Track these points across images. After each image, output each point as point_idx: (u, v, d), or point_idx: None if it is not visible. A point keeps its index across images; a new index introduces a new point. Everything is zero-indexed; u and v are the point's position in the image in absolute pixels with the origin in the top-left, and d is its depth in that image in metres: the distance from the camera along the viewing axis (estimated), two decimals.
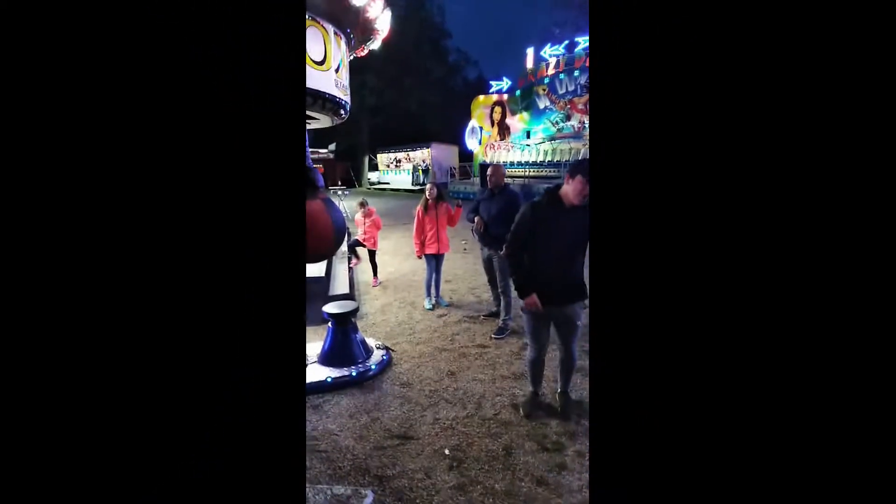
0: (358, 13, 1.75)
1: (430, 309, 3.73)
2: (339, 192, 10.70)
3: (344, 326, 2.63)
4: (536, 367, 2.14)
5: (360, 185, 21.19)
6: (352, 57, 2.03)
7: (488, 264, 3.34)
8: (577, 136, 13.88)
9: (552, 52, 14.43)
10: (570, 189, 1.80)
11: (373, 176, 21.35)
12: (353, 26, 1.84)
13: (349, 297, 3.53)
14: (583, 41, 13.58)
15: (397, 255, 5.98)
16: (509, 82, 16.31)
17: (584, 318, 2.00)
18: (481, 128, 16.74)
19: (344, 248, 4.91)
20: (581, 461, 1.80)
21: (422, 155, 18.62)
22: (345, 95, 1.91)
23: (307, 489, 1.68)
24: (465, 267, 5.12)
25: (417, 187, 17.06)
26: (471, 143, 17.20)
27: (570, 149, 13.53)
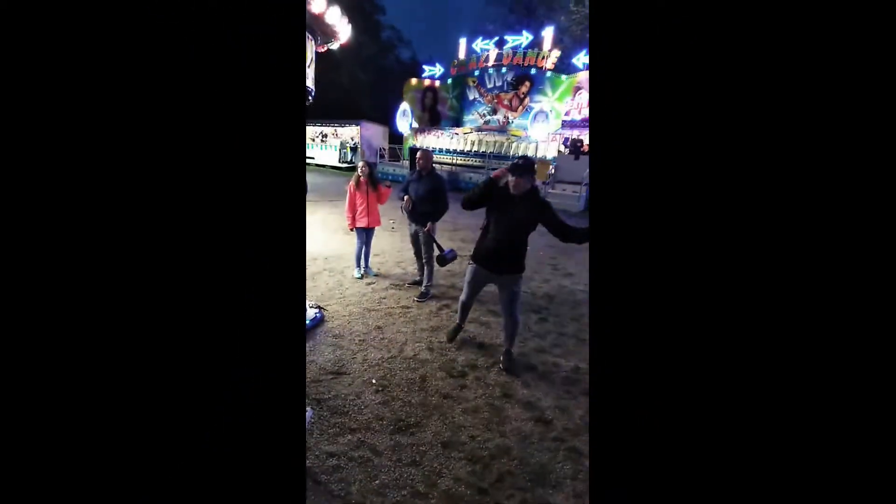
0: (326, 24, 2.23)
1: (359, 278, 4.06)
2: None
3: None
4: (465, 307, 2.73)
5: None
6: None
7: (415, 238, 3.77)
8: (501, 129, 14.84)
9: (483, 47, 15.08)
10: (512, 185, 2.27)
11: None
12: (322, 32, 2.34)
13: None
14: (511, 40, 14.43)
15: (326, 229, 6.11)
16: (442, 69, 16.65)
17: (519, 287, 2.49)
18: (412, 111, 16.89)
19: None
20: (477, 384, 2.38)
21: (350, 132, 18.12)
22: (313, 85, 2.43)
23: None
24: (393, 244, 5.49)
25: (345, 165, 16.68)
26: (401, 125, 17.24)
27: (495, 141, 14.43)
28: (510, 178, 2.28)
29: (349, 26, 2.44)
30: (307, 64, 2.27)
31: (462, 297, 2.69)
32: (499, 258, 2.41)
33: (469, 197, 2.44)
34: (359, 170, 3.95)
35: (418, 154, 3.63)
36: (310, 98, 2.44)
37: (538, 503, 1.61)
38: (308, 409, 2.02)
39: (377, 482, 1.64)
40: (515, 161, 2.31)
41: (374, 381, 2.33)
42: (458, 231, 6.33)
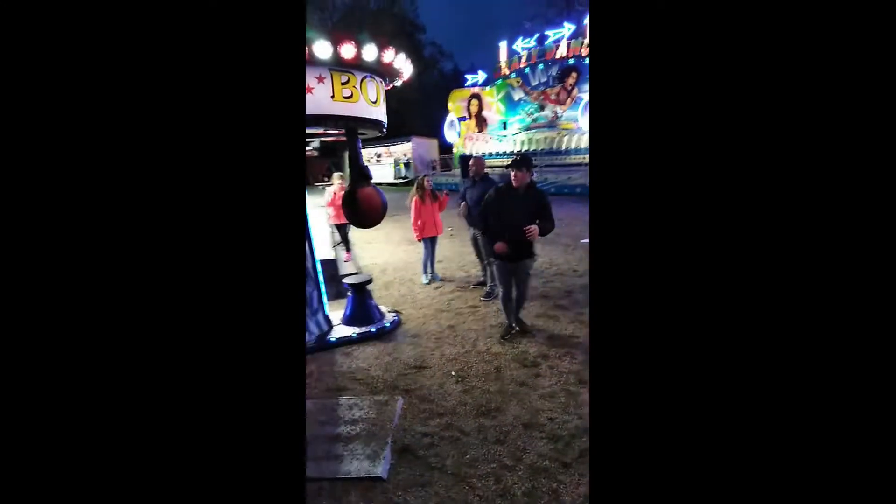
0: (394, 69, 2.66)
1: (427, 283, 4.35)
2: (321, 186, 11.38)
3: (361, 294, 3.24)
4: (507, 303, 2.98)
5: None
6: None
7: (475, 242, 3.98)
8: (551, 125, 14.60)
9: (524, 46, 15.03)
10: (514, 178, 2.64)
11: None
12: (389, 75, 2.79)
13: (357, 274, 4.12)
14: (552, 34, 14.22)
15: (390, 242, 6.56)
16: (485, 75, 16.87)
17: (530, 268, 2.88)
18: (460, 120, 17.27)
19: (338, 238, 5.50)
20: (551, 372, 2.48)
21: (402, 149, 19.02)
22: (385, 118, 2.86)
23: (356, 399, 2.30)
24: (453, 249, 5.75)
25: (400, 181, 17.52)
26: (450, 135, 17.72)
27: (545, 137, 14.25)
28: (511, 173, 2.64)
29: (411, 66, 2.80)
30: (378, 102, 2.65)
31: (500, 294, 2.99)
32: (514, 246, 2.72)
33: (482, 210, 2.80)
34: (423, 183, 4.22)
35: (470, 161, 3.85)
36: (384, 129, 2.87)
37: None
38: (399, 397, 2.29)
39: (468, 457, 1.84)
40: (514, 157, 2.73)
41: (453, 372, 2.55)
42: None
